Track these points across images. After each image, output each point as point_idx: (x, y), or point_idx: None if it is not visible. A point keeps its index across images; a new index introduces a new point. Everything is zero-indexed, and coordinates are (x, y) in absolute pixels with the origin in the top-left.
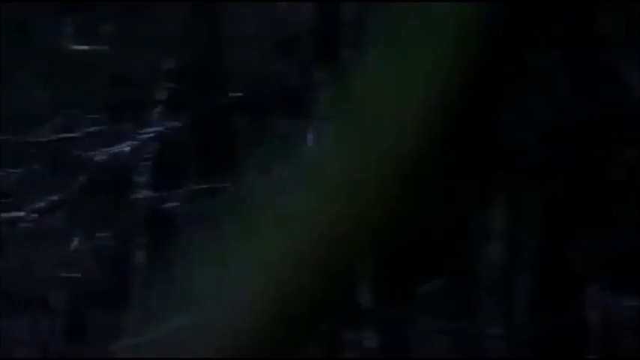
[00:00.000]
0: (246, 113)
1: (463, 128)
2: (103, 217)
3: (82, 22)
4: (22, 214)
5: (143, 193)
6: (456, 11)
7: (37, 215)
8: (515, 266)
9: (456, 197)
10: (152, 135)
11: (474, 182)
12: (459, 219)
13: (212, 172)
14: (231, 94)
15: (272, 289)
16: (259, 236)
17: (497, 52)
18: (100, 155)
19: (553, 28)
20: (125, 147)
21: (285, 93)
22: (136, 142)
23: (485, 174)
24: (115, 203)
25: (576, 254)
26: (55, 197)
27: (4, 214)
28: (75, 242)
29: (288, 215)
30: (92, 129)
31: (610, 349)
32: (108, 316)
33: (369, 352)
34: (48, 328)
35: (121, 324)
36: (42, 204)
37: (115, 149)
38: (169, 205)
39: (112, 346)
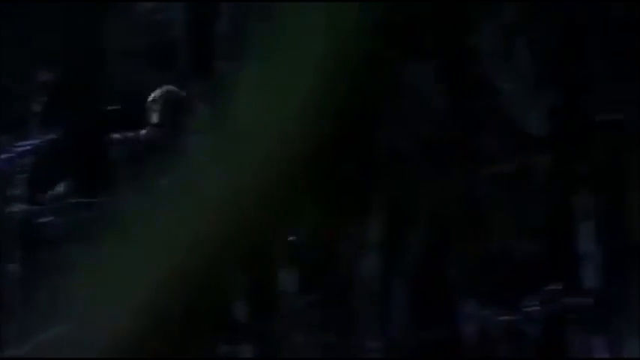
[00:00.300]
0: (122, 126)
1: (341, 139)
2: None
3: None
4: None
5: (18, 206)
6: (335, 21)
7: None
8: (393, 278)
9: (333, 208)
10: (28, 148)
11: (352, 194)
12: (336, 230)
13: (88, 184)
14: (108, 107)
15: (148, 301)
16: (135, 248)
17: (375, 62)
18: None
19: (429, 40)
20: (0, 159)
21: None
22: (11, 155)
23: (363, 185)
24: None
25: (454, 267)
26: None
27: None
28: None
29: (163, 228)
30: None
31: None
32: None
33: None
34: None
35: None
36: None
37: None
38: (45, 218)
39: None
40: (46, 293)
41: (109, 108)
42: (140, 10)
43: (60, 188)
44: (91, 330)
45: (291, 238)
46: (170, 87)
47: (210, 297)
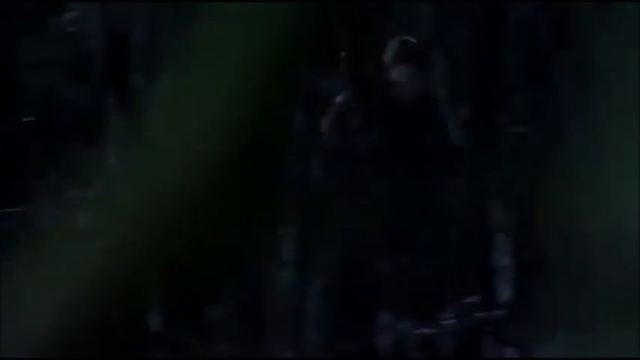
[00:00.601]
0: (38, 138)
1: (252, 154)
2: None
3: None
4: None
5: None
6: (252, 32)
7: None
8: (311, 290)
9: (246, 222)
10: None
11: (263, 207)
12: (250, 244)
13: (3, 196)
14: (22, 119)
15: (64, 311)
16: (48, 261)
17: (288, 72)
18: None
19: (343, 53)
20: None
21: (77, 117)
22: None
23: (275, 198)
24: None
25: (368, 280)
26: None
27: None
28: None
29: (79, 240)
30: None
31: None
32: None
33: None
34: None
35: None
36: None
37: None
38: None
39: None
40: None
41: (25, 119)
42: (56, 22)
43: None
44: (8, 338)
45: (205, 252)
46: None
47: (127, 307)
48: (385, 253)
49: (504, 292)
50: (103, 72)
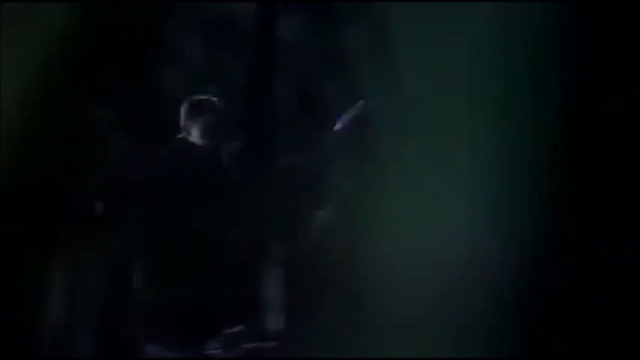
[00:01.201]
0: None
1: (26, 186)
2: None
3: None
4: None
5: None
6: (23, 69)
7: None
8: (77, 320)
9: (16, 253)
10: None
11: (35, 239)
12: (18, 275)
13: None
14: None
15: None
16: None
17: (61, 107)
18: None
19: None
20: None
21: None
22: None
23: (46, 231)
24: None
25: (135, 309)
26: None
27: None
28: None
29: None
30: None
31: None
32: None
33: None
34: None
35: None
36: None
37: None
38: None
39: None
40: None
41: None
42: None
43: None
44: None
45: None
46: None
47: None
48: (154, 283)
49: (274, 322)
50: None
